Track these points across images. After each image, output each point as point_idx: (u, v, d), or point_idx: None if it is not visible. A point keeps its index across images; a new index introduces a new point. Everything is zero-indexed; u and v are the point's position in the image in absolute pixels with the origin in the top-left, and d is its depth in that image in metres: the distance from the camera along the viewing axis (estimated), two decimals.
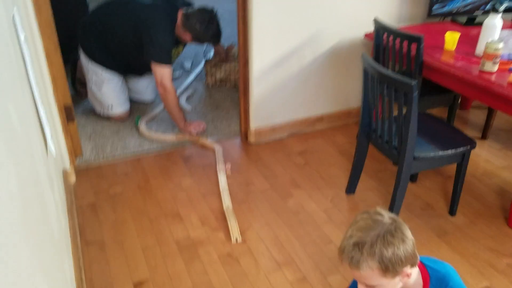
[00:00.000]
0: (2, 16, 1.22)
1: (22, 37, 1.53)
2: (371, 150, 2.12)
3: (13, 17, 1.46)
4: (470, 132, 2.77)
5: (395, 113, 1.80)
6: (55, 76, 2.17)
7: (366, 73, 1.90)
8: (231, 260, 1.84)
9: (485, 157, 2.51)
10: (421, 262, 1.24)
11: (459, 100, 2.56)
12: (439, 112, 2.89)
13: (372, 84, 1.87)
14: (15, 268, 0.74)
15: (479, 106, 3.03)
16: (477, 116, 2.93)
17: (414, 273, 1.18)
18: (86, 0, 3.59)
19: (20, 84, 1.28)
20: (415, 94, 1.63)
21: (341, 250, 1.16)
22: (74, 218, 2.04)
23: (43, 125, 1.59)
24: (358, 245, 1.11)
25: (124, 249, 1.90)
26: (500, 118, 2.84)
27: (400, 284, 1.18)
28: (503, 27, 2.51)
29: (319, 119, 2.83)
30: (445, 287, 1.20)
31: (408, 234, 1.15)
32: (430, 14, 2.57)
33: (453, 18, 2.68)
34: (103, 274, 1.78)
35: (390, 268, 1.11)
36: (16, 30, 1.45)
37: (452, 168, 2.05)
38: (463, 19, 2.64)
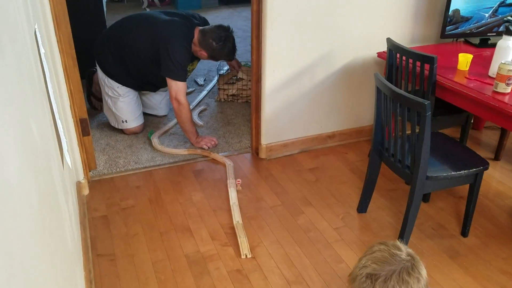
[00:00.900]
0: (25, 32, 1.26)
1: (42, 52, 1.58)
2: (383, 168, 2.11)
3: (35, 32, 1.51)
4: (483, 153, 2.75)
5: (408, 132, 1.80)
6: (72, 90, 2.21)
7: (379, 92, 1.91)
8: (241, 276, 1.84)
9: (498, 178, 2.49)
10: None
11: (472, 120, 2.56)
12: (452, 132, 2.88)
13: (385, 102, 1.88)
14: (31, 280, 0.75)
15: (492, 127, 3.01)
16: (489, 136, 2.91)
17: None
18: (103, 16, 3.67)
19: (40, 98, 1.31)
20: (429, 113, 1.64)
21: (352, 279, 1.15)
22: (86, 230, 2.06)
23: (61, 138, 1.63)
24: (372, 278, 1.11)
25: (134, 263, 1.91)
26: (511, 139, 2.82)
27: None
28: None
29: (331, 136, 2.83)
30: None
31: (424, 273, 1.15)
32: (443, 35, 2.59)
33: (466, 40, 2.70)
34: (113, 287, 1.78)
35: None
36: (37, 45, 1.49)
37: (465, 188, 2.04)
38: (476, 40, 2.65)
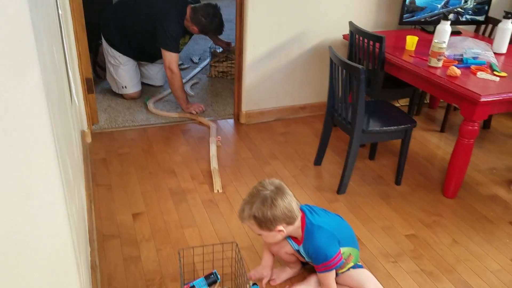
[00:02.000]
0: None
1: (60, 13, 2.01)
2: (339, 132, 2.54)
3: None
4: (433, 127, 3.18)
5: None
6: (80, 52, 2.64)
7: (331, 62, 2.34)
8: (212, 204, 2.28)
9: (437, 144, 2.93)
10: (304, 214, 1.62)
11: (425, 98, 2.98)
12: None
13: (335, 71, 2.31)
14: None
15: (444, 106, 3.44)
16: (441, 114, 3.34)
17: (291, 228, 1.57)
18: None
19: (59, 44, 1.75)
20: (362, 76, 2.07)
21: (239, 209, 1.60)
22: (88, 167, 2.50)
23: (70, 81, 2.06)
24: (245, 206, 1.56)
25: (126, 192, 2.35)
26: (457, 116, 3.24)
27: (279, 236, 1.58)
28: (464, 35, 2.95)
29: (303, 107, 3.26)
30: (311, 234, 1.60)
31: (280, 203, 1.52)
32: (401, 22, 3.00)
33: (422, 27, 3.11)
34: (108, 207, 2.23)
35: (263, 225, 1.54)
36: (57, 7, 1.93)
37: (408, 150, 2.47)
38: (431, 28, 3.06)
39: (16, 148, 0.81)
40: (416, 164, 2.70)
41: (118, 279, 1.81)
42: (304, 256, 1.67)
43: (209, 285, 1.64)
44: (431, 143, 2.95)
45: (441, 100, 3.43)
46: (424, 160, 2.75)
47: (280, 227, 1.56)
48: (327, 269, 1.60)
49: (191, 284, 1.63)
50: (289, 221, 1.56)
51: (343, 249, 1.62)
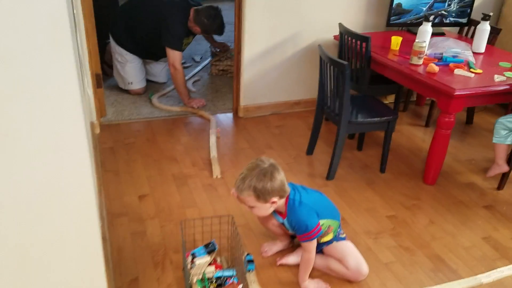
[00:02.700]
0: None
1: (74, 13, 2.23)
2: (330, 125, 2.75)
3: None
4: (419, 122, 3.40)
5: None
6: (90, 49, 2.87)
7: (321, 59, 2.56)
8: (211, 188, 2.49)
9: (422, 138, 3.14)
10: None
11: (411, 96, 3.18)
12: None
13: (325, 68, 2.52)
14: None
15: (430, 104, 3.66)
16: (427, 110, 3.55)
17: (281, 201, 1.75)
18: None
19: (74, 40, 1.96)
20: (347, 71, 2.28)
21: (235, 182, 1.74)
22: (98, 154, 2.72)
23: (83, 75, 2.28)
24: (243, 179, 1.69)
25: (132, 176, 2.56)
26: None
27: (272, 208, 1.76)
28: (447, 36, 3.17)
29: (297, 103, 3.48)
30: (293, 209, 1.78)
31: (277, 176, 1.69)
32: (388, 23, 3.22)
33: (408, 29, 3.33)
34: (116, 189, 2.44)
35: (260, 196, 1.68)
36: (72, 5, 2.15)
37: (393, 141, 2.68)
38: (416, 29, 3.26)
39: (51, 114, 1.04)
40: (401, 155, 2.92)
41: (126, 251, 2.02)
42: (288, 228, 1.87)
43: (208, 253, 1.84)
44: (416, 137, 3.17)
45: (427, 98, 3.65)
46: (408, 151, 2.97)
47: (275, 199, 1.72)
48: (309, 239, 1.78)
49: (191, 252, 1.84)
50: (282, 194, 1.74)
51: (322, 221, 1.81)
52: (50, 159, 1.12)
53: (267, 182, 1.67)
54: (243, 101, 3.34)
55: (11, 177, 1.09)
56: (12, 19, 0.94)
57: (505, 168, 2.51)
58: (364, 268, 1.88)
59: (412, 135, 3.20)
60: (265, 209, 1.76)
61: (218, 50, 4.14)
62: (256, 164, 1.72)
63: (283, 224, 1.89)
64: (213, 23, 3.34)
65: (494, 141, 2.44)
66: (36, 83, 1.03)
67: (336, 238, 1.93)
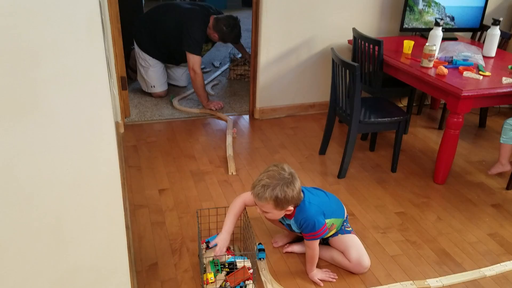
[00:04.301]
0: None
1: (102, 17, 2.40)
2: (343, 129, 2.85)
3: (99, 1, 2.34)
4: (433, 125, 3.47)
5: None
6: (117, 53, 3.05)
7: (333, 62, 2.67)
8: (226, 183, 2.62)
9: (435, 140, 3.20)
10: None
11: (426, 99, 3.25)
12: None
13: (337, 69, 2.63)
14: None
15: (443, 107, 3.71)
16: (441, 114, 3.61)
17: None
18: (141, 4, 4.53)
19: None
20: (358, 73, 2.39)
21: (253, 186, 1.77)
22: (122, 151, 2.88)
23: (110, 76, 2.45)
24: (264, 187, 1.73)
25: (154, 172, 2.71)
26: None
27: (283, 213, 1.82)
28: (459, 40, 3.24)
29: (312, 105, 3.59)
30: (302, 209, 1.84)
31: (297, 186, 1.74)
32: (401, 28, 3.31)
33: (421, 34, 3.41)
34: (138, 183, 2.60)
35: (279, 205, 1.75)
36: (101, 12, 2.32)
37: (403, 143, 2.76)
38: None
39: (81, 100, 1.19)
40: (413, 156, 2.99)
41: (146, 238, 2.16)
42: (294, 229, 1.94)
43: None
44: (428, 139, 3.24)
45: (442, 102, 3.70)
46: (420, 153, 3.04)
47: (291, 207, 1.80)
48: (314, 238, 1.86)
49: (206, 240, 1.96)
50: (298, 203, 1.81)
51: (327, 220, 1.90)
52: (81, 152, 1.25)
53: (289, 193, 1.72)
54: (259, 104, 3.47)
55: (49, 166, 1.22)
56: (57, 15, 1.09)
57: (508, 167, 2.57)
58: (366, 261, 1.95)
59: (425, 137, 3.27)
60: (279, 215, 1.84)
61: (240, 55, 4.30)
62: (278, 172, 1.75)
63: (288, 225, 1.97)
64: (231, 32, 3.49)
65: (501, 141, 2.51)
66: (74, 76, 1.17)
67: (342, 231, 2.01)
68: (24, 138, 1.16)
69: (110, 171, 1.33)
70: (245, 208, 2.03)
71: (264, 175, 1.77)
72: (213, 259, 1.84)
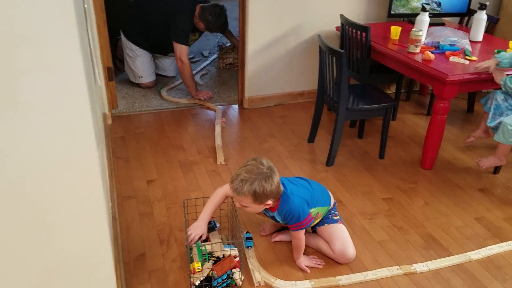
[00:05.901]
0: None
1: (85, 7, 2.37)
2: (332, 117, 2.84)
3: None
4: (422, 111, 3.47)
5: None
6: (102, 44, 3.01)
7: (320, 49, 2.66)
8: (215, 173, 2.62)
9: (423, 126, 3.21)
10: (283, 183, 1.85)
11: (414, 85, 3.25)
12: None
13: (324, 56, 2.62)
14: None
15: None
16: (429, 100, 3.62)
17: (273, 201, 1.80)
18: None
19: (85, 33, 2.10)
20: (344, 59, 2.38)
21: (232, 181, 1.75)
22: (109, 143, 2.86)
23: (94, 66, 2.42)
24: (243, 181, 1.71)
25: (142, 163, 2.70)
26: None
27: (262, 207, 1.80)
28: (447, 26, 3.23)
29: (300, 94, 3.58)
30: (286, 201, 1.83)
31: (276, 180, 1.73)
32: (389, 14, 3.30)
33: (409, 19, 3.40)
34: (126, 175, 2.59)
35: (258, 199, 1.73)
36: (83, 1, 2.29)
37: (391, 129, 2.76)
38: None
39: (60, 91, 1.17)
40: (402, 142, 3.00)
41: (134, 229, 2.16)
42: (279, 220, 1.93)
43: (209, 230, 1.97)
44: (417, 125, 3.24)
45: (430, 88, 3.70)
46: (408, 139, 3.05)
47: (270, 202, 1.79)
48: (300, 228, 1.86)
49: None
50: (277, 196, 1.81)
51: (312, 210, 1.89)
52: (60, 143, 1.24)
53: (267, 187, 1.71)
54: (248, 93, 3.45)
55: (26, 156, 1.21)
56: (28, 8, 1.07)
57: (504, 162, 2.54)
58: (350, 252, 1.94)
59: (413, 124, 3.27)
60: (258, 209, 1.82)
61: (229, 44, 4.26)
62: (257, 166, 1.74)
63: (272, 217, 1.96)
64: (217, 21, 3.46)
65: (503, 142, 2.39)
66: (48, 66, 1.15)
67: (328, 220, 2.01)
68: (1, 130, 1.15)
69: (90, 162, 1.32)
70: (231, 198, 2.02)
71: (242, 170, 1.75)
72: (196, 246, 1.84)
